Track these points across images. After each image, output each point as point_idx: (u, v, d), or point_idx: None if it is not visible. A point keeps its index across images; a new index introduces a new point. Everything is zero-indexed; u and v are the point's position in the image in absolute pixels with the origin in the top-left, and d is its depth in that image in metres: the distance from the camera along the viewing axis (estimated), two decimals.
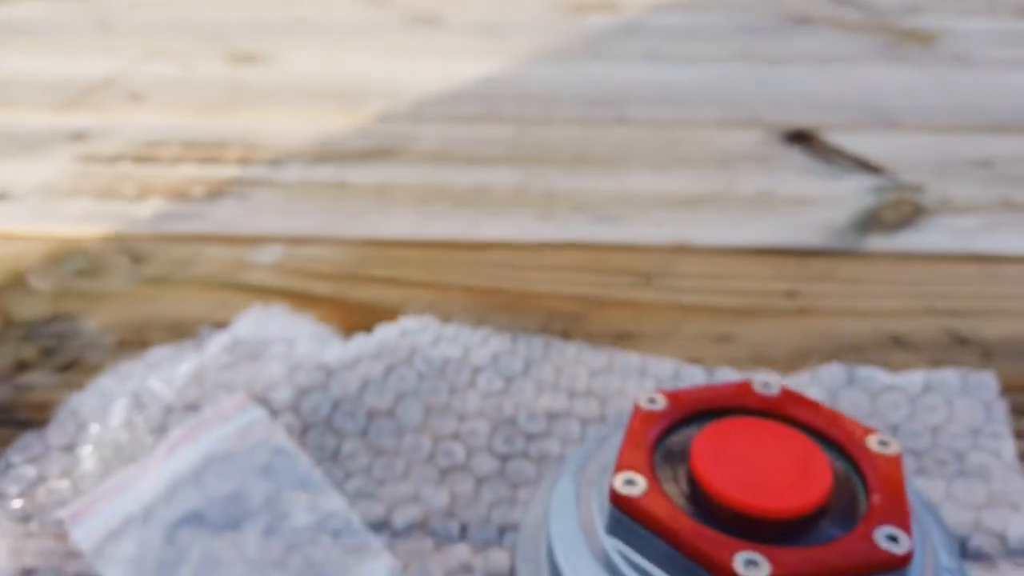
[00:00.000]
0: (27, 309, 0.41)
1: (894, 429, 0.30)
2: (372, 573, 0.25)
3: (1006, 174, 0.54)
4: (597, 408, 0.32)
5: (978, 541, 0.26)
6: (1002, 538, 0.26)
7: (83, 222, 0.49)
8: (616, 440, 0.25)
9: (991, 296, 0.41)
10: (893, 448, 0.23)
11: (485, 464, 0.30)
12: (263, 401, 0.30)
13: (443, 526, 0.27)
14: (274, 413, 0.30)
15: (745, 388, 0.25)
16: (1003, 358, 0.36)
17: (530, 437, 0.31)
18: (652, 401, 0.24)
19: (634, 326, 0.39)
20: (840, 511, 0.22)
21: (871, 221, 0.48)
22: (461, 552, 0.27)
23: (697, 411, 0.24)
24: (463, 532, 0.27)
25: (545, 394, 0.32)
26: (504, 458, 0.30)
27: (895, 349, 0.37)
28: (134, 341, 0.38)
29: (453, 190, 0.53)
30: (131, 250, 0.46)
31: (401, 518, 0.28)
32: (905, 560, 0.20)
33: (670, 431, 0.24)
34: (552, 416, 0.32)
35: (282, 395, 0.31)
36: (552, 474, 0.25)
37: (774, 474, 0.21)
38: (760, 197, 0.51)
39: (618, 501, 0.21)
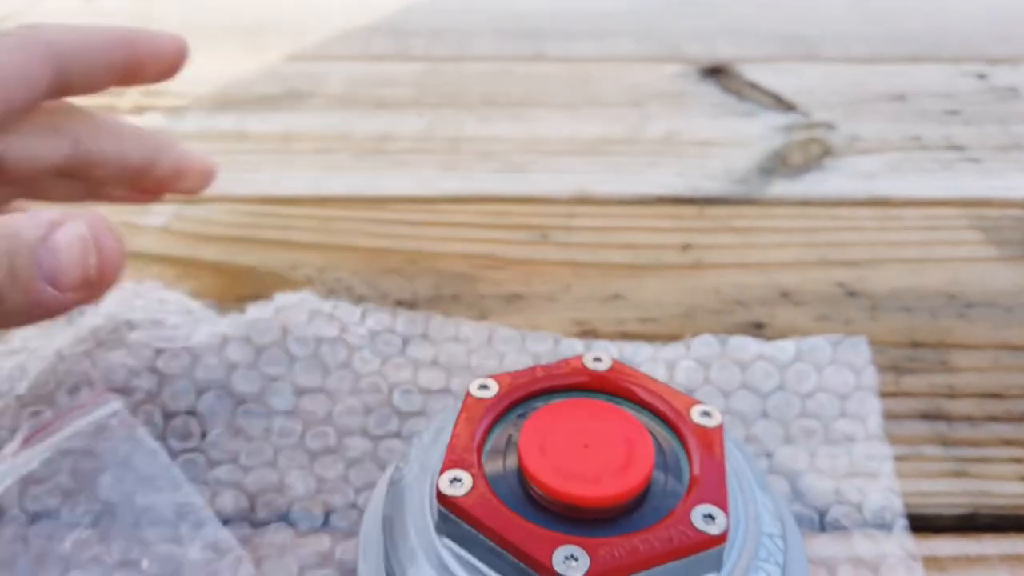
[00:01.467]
0: None
1: (764, 398, 0.30)
2: (229, 572, 0.25)
3: (918, 108, 0.54)
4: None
5: (836, 512, 0.27)
6: (859, 508, 0.27)
7: None
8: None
9: (886, 243, 0.41)
10: (715, 419, 0.23)
11: (356, 446, 0.29)
12: (124, 390, 0.30)
13: (306, 514, 0.27)
14: (136, 402, 0.29)
15: (576, 365, 0.25)
16: (890, 310, 0.36)
17: (405, 417, 0.31)
18: (484, 387, 0.24)
19: (525, 287, 0.38)
20: (666, 489, 0.22)
21: (777, 164, 0.48)
22: (323, 542, 0.26)
23: (529, 393, 0.24)
24: (326, 520, 0.27)
25: (422, 372, 0.32)
26: (377, 439, 0.30)
27: (782, 303, 0.37)
28: None
29: (356, 139, 0.51)
30: None
31: (264, 509, 0.27)
32: (721, 539, 0.20)
33: (503, 416, 0.24)
34: (429, 394, 0.31)
35: (144, 383, 0.30)
36: (393, 465, 0.25)
37: (599, 459, 0.21)
38: (668, 139, 0.50)
39: (444, 502, 0.21)
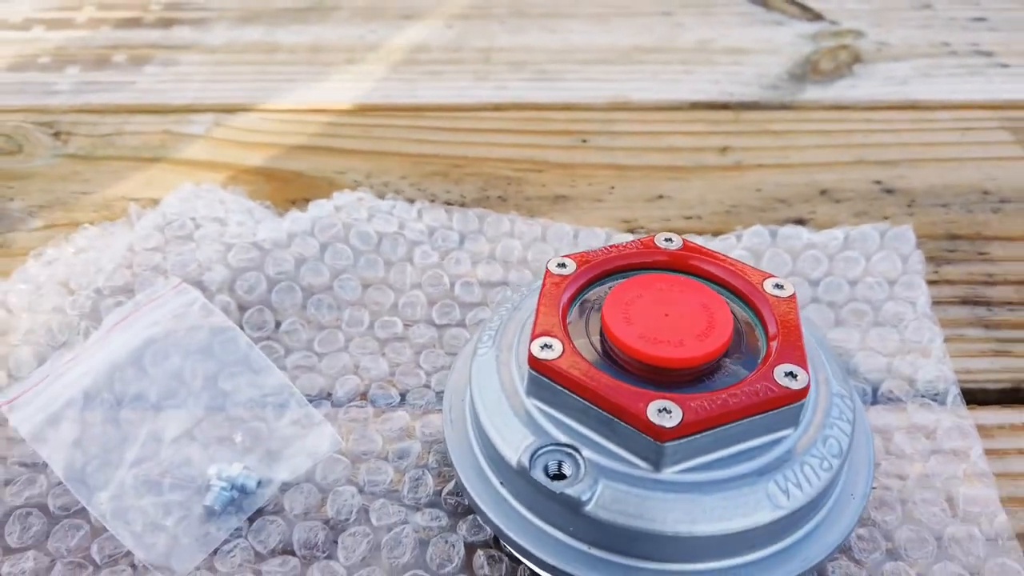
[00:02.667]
0: None
1: (815, 284, 0.31)
2: (315, 445, 0.26)
3: (945, 16, 0.54)
4: (531, 277, 0.33)
5: (889, 385, 0.28)
6: (911, 381, 0.28)
7: None
8: (530, 304, 0.25)
9: (921, 144, 0.42)
10: (788, 290, 0.24)
11: (423, 334, 0.31)
12: (197, 283, 0.31)
13: (383, 394, 0.29)
14: (209, 294, 0.30)
15: (648, 245, 0.26)
16: (927, 206, 0.37)
17: (467, 307, 0.32)
18: (562, 265, 0.25)
19: (570, 189, 0.39)
20: (743, 353, 0.23)
21: (807, 70, 0.48)
22: (401, 418, 0.28)
23: (605, 271, 0.25)
24: (403, 399, 0.28)
25: (480, 265, 0.33)
26: (442, 328, 0.31)
27: (822, 201, 0.38)
28: (62, 222, 0.37)
29: (387, 50, 0.51)
30: (52, 125, 0.44)
31: (342, 389, 0.29)
32: (803, 394, 0.21)
33: (581, 292, 0.25)
34: (487, 286, 0.32)
35: (216, 275, 0.31)
36: (472, 340, 0.26)
37: (680, 325, 0.22)
38: (699, 48, 0.51)
39: (536, 365, 0.22)
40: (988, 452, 0.27)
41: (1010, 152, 0.41)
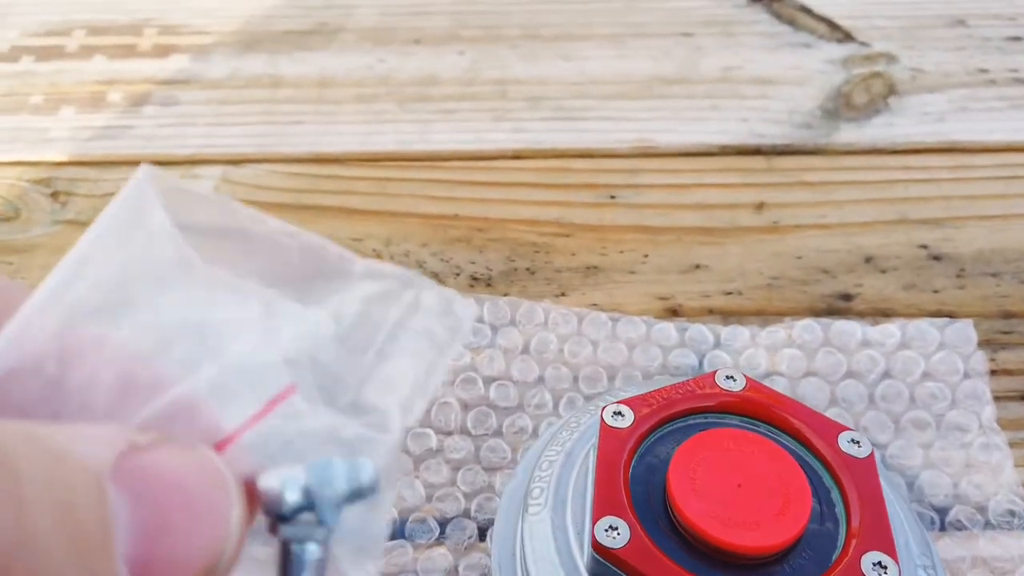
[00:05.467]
0: None
1: (871, 387, 0.30)
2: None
3: (980, 35, 0.51)
4: (568, 375, 0.31)
5: (958, 513, 0.27)
6: (982, 509, 0.27)
7: None
8: (584, 448, 0.24)
9: (963, 197, 0.40)
10: (865, 448, 0.22)
11: (459, 447, 0.29)
12: None
13: (421, 527, 0.27)
14: None
15: (710, 384, 0.24)
16: (977, 276, 0.36)
17: (503, 413, 0.30)
18: (618, 415, 0.23)
19: (600, 258, 0.37)
20: (821, 524, 0.22)
21: (840, 104, 0.46)
22: (444, 557, 0.26)
23: (665, 418, 0.24)
24: (442, 531, 0.27)
25: (515, 363, 0.31)
26: (478, 439, 0.29)
27: (867, 271, 0.36)
28: None
29: (398, 82, 0.49)
30: (49, 182, 0.42)
31: None
32: None
33: (640, 443, 0.23)
34: (524, 387, 0.31)
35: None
36: (519, 478, 0.25)
37: (755, 500, 0.21)
38: (724, 78, 0.48)
39: (602, 552, 0.21)
40: None
41: None
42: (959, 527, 0.26)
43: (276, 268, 0.17)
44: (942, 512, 0.27)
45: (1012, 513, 0.26)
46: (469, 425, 0.30)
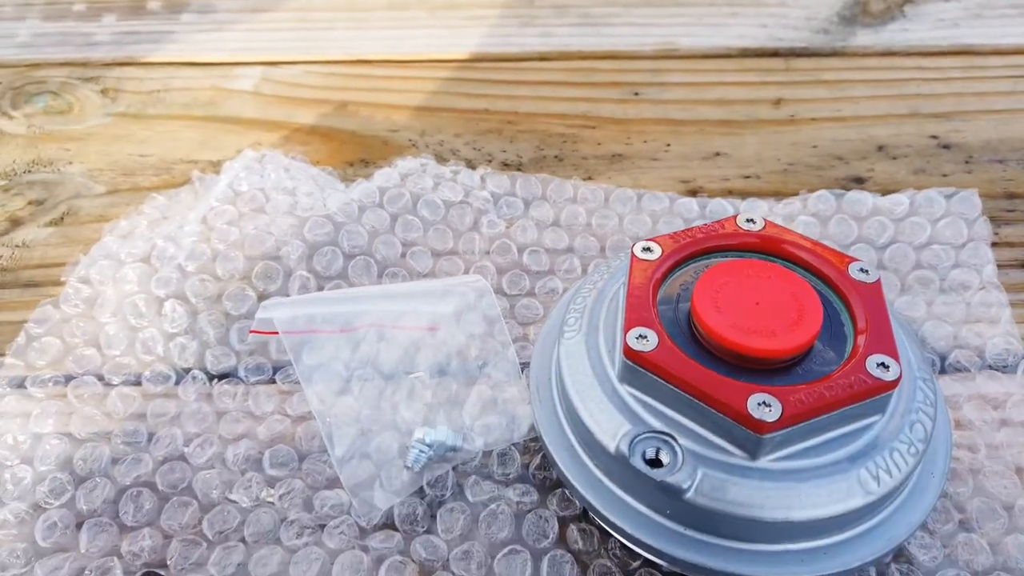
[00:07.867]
0: (2, 155, 0.40)
1: (881, 250, 0.32)
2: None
3: None
4: (596, 245, 0.33)
5: (957, 355, 0.29)
6: (980, 351, 0.29)
7: (36, 48, 0.46)
8: (614, 286, 0.26)
9: (974, 94, 0.42)
10: (872, 276, 0.24)
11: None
12: (275, 258, 0.31)
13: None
14: (288, 268, 0.31)
15: (731, 226, 0.26)
16: (983, 162, 0.38)
17: (535, 276, 0.32)
18: (647, 250, 0.25)
19: (625, 147, 0.39)
20: (829, 333, 0.24)
21: (857, 12, 0.47)
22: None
23: (690, 254, 0.26)
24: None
25: (546, 232, 0.33)
26: (513, 298, 0.32)
27: (879, 157, 0.38)
28: (124, 187, 0.38)
29: None
30: (98, 80, 0.44)
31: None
32: (895, 384, 0.22)
33: (667, 276, 0.25)
34: (554, 254, 0.33)
35: (294, 251, 0.31)
36: (552, 316, 0.27)
37: (771, 314, 0.23)
38: None
39: (632, 356, 0.23)
40: None
41: None
42: (959, 368, 0.29)
43: None
44: (943, 357, 0.29)
45: (1007, 352, 0.29)
46: (504, 286, 0.32)
